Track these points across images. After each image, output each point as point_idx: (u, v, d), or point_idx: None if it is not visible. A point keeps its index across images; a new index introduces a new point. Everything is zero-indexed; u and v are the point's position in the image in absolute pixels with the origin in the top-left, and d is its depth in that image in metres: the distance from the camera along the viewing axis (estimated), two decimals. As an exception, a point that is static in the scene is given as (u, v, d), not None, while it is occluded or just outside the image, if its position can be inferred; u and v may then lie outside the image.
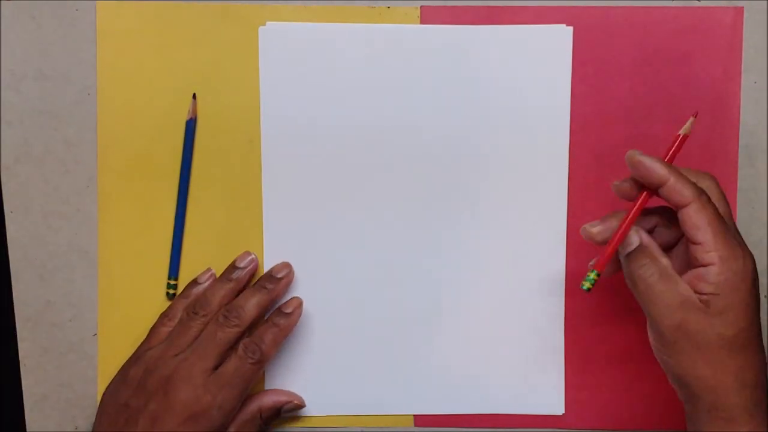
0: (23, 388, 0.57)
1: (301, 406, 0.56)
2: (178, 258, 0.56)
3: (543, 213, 0.56)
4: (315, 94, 0.56)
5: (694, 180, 0.47)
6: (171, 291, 0.56)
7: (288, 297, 0.56)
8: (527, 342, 0.57)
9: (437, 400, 0.57)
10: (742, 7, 0.56)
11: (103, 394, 0.53)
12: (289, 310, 0.55)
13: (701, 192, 0.46)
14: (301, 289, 0.57)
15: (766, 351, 0.47)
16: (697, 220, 0.46)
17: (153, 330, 0.55)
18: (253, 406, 0.55)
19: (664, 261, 0.47)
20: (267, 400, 0.55)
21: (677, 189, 0.46)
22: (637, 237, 0.47)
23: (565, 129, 0.56)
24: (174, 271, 0.56)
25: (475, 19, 0.56)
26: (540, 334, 0.57)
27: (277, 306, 0.55)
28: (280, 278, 0.55)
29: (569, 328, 0.57)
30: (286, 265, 0.56)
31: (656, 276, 0.46)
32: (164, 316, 0.55)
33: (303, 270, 0.57)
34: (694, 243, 0.46)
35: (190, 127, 0.56)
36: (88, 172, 0.56)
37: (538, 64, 0.56)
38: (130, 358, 0.54)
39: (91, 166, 0.56)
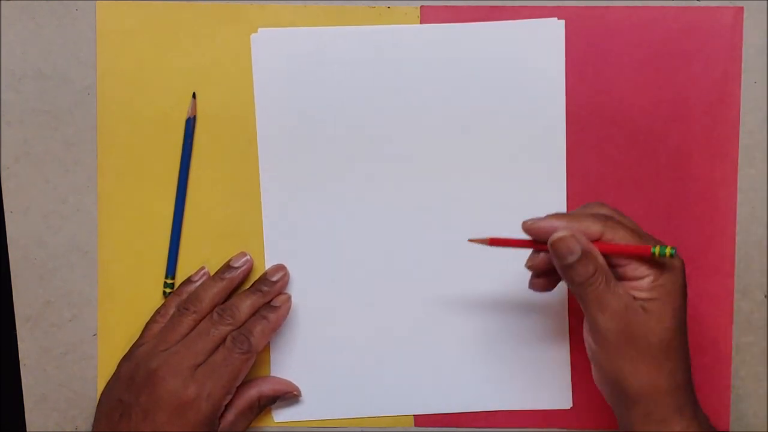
0: (23, 388, 0.57)
1: (298, 396, 0.57)
2: (175, 256, 0.56)
3: (542, 209, 0.56)
4: (311, 97, 0.56)
5: (591, 211, 0.48)
6: (168, 290, 0.56)
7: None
8: (531, 337, 0.57)
9: (439, 399, 0.57)
10: (742, 7, 0.56)
11: (101, 393, 0.54)
12: (278, 304, 0.55)
13: (606, 218, 0.47)
14: (301, 288, 0.57)
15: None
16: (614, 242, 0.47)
17: (146, 327, 0.55)
18: (252, 393, 0.55)
19: (604, 263, 0.47)
20: (266, 389, 0.56)
21: (583, 229, 0.47)
22: (578, 245, 0.46)
23: (561, 123, 0.56)
24: (171, 269, 0.56)
25: (474, 19, 0.56)
26: (544, 329, 0.57)
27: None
28: (275, 281, 0.55)
29: (573, 323, 0.57)
30: (281, 268, 0.56)
31: (604, 283, 0.46)
32: (157, 313, 0.55)
33: (303, 270, 0.57)
34: (621, 265, 0.47)
35: (190, 125, 0.56)
36: (88, 172, 0.56)
37: (532, 58, 0.56)
38: (125, 355, 0.54)
39: (91, 166, 0.56)
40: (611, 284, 0.46)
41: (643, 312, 0.46)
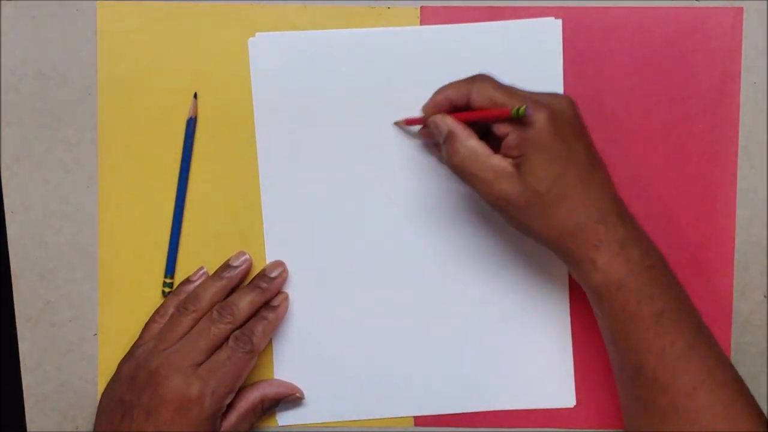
0: (23, 388, 0.57)
1: (301, 399, 0.57)
2: (174, 255, 0.56)
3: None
4: (310, 99, 0.56)
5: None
6: (167, 289, 0.56)
7: (290, 296, 0.56)
8: (533, 335, 0.57)
9: (439, 400, 0.57)
10: (742, 8, 0.56)
11: (102, 394, 0.54)
12: (276, 304, 0.55)
13: (471, 80, 0.50)
14: (302, 289, 0.57)
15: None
16: (480, 102, 0.49)
17: (145, 327, 0.55)
18: (255, 395, 0.55)
19: (473, 143, 0.49)
20: (270, 391, 0.55)
21: (452, 92, 0.50)
22: (445, 126, 0.50)
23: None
24: (170, 268, 0.56)
25: (474, 19, 0.56)
26: (545, 327, 0.57)
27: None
28: (273, 277, 0.55)
29: (575, 321, 0.57)
30: (280, 264, 0.56)
31: (467, 158, 0.49)
32: (156, 313, 0.55)
33: (303, 270, 0.57)
34: (491, 125, 0.49)
35: (191, 125, 0.56)
36: (88, 172, 0.56)
37: (530, 58, 0.56)
38: (125, 356, 0.54)
39: (91, 166, 0.56)
40: (481, 157, 0.48)
41: (516, 172, 0.48)
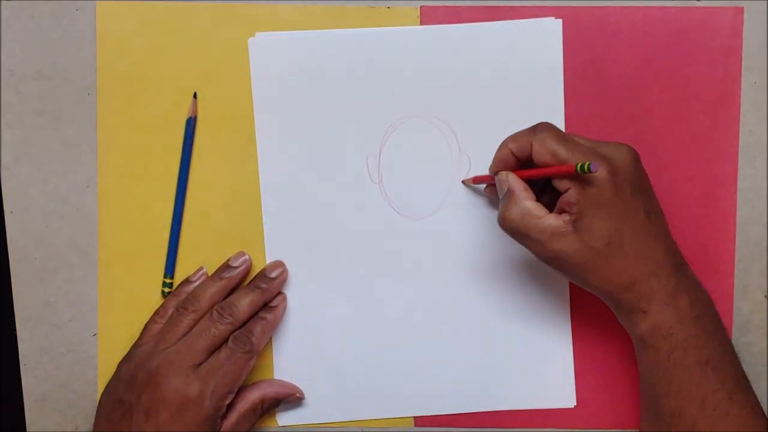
0: (23, 388, 0.57)
1: (301, 399, 0.57)
2: (174, 256, 0.56)
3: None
4: (310, 99, 0.56)
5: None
6: (166, 289, 0.56)
7: (290, 297, 0.57)
8: (534, 336, 0.57)
9: (439, 400, 0.57)
10: (742, 7, 0.56)
11: (101, 394, 0.54)
12: (274, 304, 0.55)
13: (533, 131, 0.49)
14: (302, 290, 0.57)
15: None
16: (541, 155, 0.49)
17: (145, 328, 0.55)
18: (255, 395, 0.55)
19: (528, 204, 0.49)
20: (270, 391, 0.55)
21: (514, 145, 0.50)
22: (506, 184, 0.50)
23: (560, 123, 0.56)
24: (170, 269, 0.56)
25: (474, 19, 0.56)
26: (546, 327, 0.57)
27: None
28: (273, 278, 0.55)
29: (576, 321, 0.57)
30: (280, 264, 0.56)
31: (520, 220, 0.49)
32: (156, 314, 0.55)
33: (303, 271, 0.57)
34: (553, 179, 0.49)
35: (190, 125, 0.56)
36: (88, 172, 0.56)
37: (530, 58, 0.56)
38: (125, 356, 0.54)
39: (91, 166, 0.56)
40: (534, 219, 0.48)
41: (572, 230, 0.48)
